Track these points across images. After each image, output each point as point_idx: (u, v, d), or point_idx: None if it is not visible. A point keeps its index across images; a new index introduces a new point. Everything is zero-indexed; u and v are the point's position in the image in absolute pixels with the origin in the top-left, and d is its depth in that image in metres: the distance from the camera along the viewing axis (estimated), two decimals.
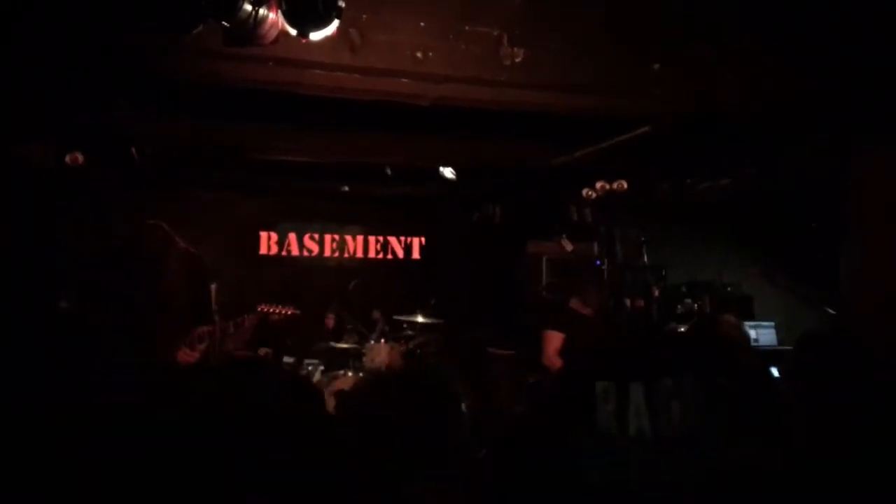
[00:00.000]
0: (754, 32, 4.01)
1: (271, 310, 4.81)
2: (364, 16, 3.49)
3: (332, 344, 7.06)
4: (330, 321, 7.68)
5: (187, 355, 4.50)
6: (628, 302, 7.23)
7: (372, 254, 9.11)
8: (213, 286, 5.79)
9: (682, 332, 5.29)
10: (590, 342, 4.96)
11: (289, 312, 4.94)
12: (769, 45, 4.03)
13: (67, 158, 6.00)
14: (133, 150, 6.41)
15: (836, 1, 3.95)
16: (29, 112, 4.97)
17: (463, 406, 1.86)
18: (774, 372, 2.69)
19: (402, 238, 9.21)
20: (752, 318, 7.26)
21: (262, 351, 6.79)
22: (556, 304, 6.38)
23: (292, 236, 8.84)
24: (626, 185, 6.86)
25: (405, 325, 7.27)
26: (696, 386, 1.64)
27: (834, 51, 3.99)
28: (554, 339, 5.64)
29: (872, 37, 3.90)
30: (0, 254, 5.60)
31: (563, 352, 5.47)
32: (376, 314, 7.51)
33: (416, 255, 9.26)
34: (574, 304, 5.90)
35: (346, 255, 9.04)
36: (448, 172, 6.99)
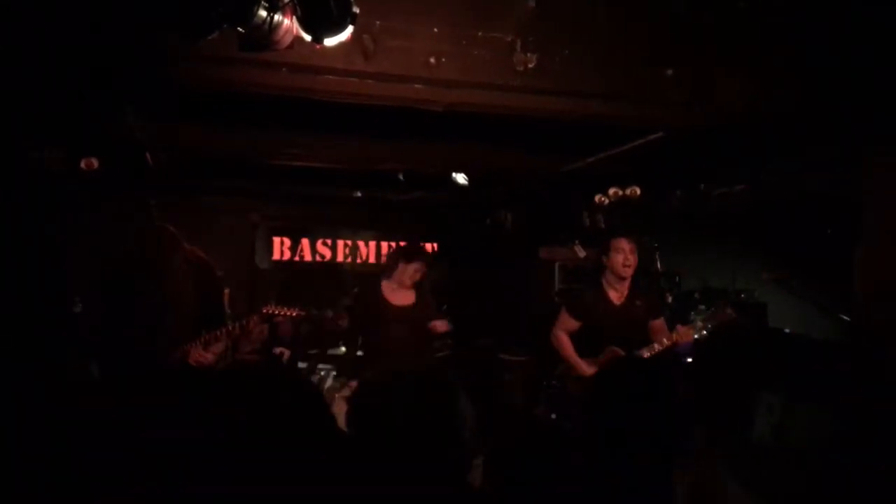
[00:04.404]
0: (766, 41, 4.01)
1: (275, 311, 4.73)
2: (377, 22, 3.50)
3: (343, 349, 7.05)
4: (344, 322, 7.61)
5: (201, 356, 4.54)
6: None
7: (384, 259, 9.11)
8: (227, 291, 5.79)
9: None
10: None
11: (293, 314, 4.85)
12: (780, 53, 4.02)
13: (82, 163, 6.04)
14: (147, 155, 6.45)
15: (848, 10, 3.93)
16: (44, 117, 5.01)
17: (467, 405, 1.87)
18: None
19: None
20: (766, 325, 7.20)
21: (278, 350, 6.77)
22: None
23: (305, 241, 8.87)
24: (639, 192, 6.85)
25: None
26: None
27: (846, 60, 3.98)
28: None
29: (884, 45, 3.88)
30: (12, 256, 5.63)
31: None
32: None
33: None
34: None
35: (358, 260, 9.06)
36: (461, 178, 6.99)
